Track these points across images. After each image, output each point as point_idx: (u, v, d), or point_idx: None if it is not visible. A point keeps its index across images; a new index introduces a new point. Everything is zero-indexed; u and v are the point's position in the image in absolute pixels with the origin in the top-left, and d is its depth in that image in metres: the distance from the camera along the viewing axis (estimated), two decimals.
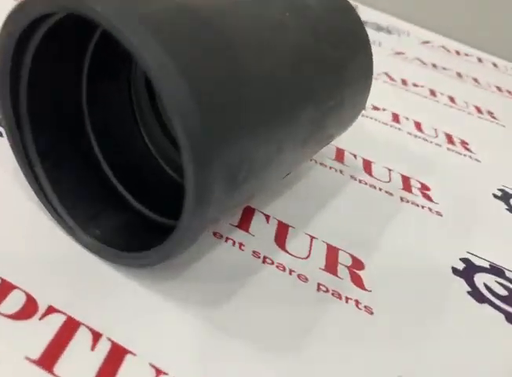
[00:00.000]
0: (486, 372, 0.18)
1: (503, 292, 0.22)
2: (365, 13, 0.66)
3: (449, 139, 0.36)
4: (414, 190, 0.28)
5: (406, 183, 0.29)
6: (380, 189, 0.27)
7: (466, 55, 0.60)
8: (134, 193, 0.19)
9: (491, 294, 0.22)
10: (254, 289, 0.18)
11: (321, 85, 0.19)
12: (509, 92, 0.51)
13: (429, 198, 0.28)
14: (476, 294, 0.22)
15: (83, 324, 0.15)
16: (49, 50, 0.17)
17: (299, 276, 0.20)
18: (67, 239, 0.18)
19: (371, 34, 0.58)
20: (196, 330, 0.16)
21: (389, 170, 0.29)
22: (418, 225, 0.25)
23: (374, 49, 0.57)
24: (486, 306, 0.21)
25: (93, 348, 0.15)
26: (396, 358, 0.17)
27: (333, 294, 0.19)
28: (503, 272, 0.23)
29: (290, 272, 0.20)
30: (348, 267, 0.21)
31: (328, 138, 0.23)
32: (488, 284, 0.22)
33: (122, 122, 0.21)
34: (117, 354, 0.15)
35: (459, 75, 0.52)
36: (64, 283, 0.17)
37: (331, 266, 0.21)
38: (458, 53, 0.61)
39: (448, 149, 0.34)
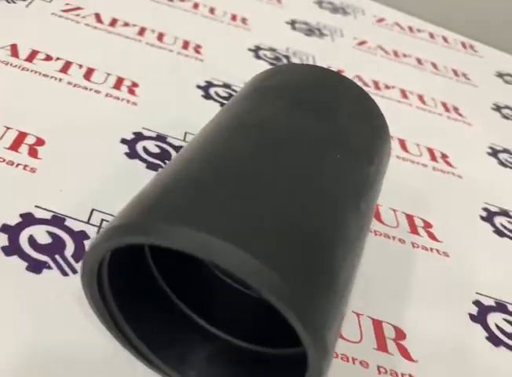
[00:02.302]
0: None
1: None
2: None
3: (432, 155, 0.38)
4: (420, 231, 0.31)
5: (412, 224, 0.31)
6: (394, 238, 0.30)
7: (419, 31, 0.61)
8: (217, 324, 0.20)
9: (504, 336, 0.26)
10: None
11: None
12: (464, 75, 0.53)
13: (433, 237, 0.30)
14: (493, 339, 0.25)
15: None
16: None
17: None
18: None
19: (329, 18, 0.58)
20: None
21: (394, 210, 0.32)
22: (431, 272, 0.28)
23: (339, 41, 0.57)
24: (502, 349, 0.25)
25: None
26: None
27: None
28: (506, 307, 0.27)
29: None
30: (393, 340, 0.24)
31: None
32: (499, 325, 0.26)
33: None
34: None
35: (419, 61, 0.53)
36: None
37: None
38: (411, 29, 0.61)
39: (434, 169, 0.37)
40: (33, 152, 0.28)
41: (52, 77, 0.34)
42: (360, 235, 0.18)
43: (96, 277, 0.17)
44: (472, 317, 0.26)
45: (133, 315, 0.19)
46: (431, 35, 0.61)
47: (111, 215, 0.25)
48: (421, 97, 0.46)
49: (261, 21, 0.52)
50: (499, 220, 0.34)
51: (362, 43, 0.54)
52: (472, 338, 0.25)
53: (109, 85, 0.35)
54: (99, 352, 0.20)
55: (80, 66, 0.36)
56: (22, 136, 0.28)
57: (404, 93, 0.46)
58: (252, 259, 0.13)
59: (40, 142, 0.29)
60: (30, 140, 0.28)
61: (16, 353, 0.19)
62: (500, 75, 0.56)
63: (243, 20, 0.50)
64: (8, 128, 0.28)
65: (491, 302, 0.27)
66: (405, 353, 0.23)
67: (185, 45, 0.42)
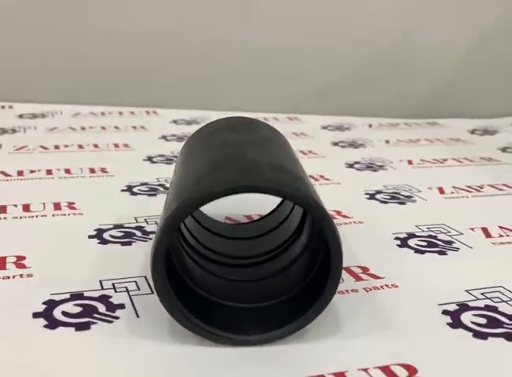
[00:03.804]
0: None
1: None
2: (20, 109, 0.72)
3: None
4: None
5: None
6: None
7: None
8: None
9: (426, 247, 0.35)
10: None
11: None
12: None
13: (345, 216, 0.40)
14: (419, 251, 0.35)
15: None
16: None
17: None
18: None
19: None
20: None
21: None
22: (360, 234, 0.37)
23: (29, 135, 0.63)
24: (427, 254, 0.34)
25: None
26: None
27: None
28: None
29: None
30: None
31: None
32: (418, 244, 0.36)
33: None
34: None
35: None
36: None
37: None
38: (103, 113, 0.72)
39: (320, 184, 0.48)
40: (20, 265, 0.31)
41: None
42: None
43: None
44: (399, 245, 0.36)
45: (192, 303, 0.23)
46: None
47: (120, 278, 0.29)
48: None
49: (142, 141, 0.60)
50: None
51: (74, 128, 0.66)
52: (404, 256, 0.34)
53: None
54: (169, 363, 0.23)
55: None
56: (2, 260, 0.31)
57: None
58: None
59: (21, 258, 0.31)
60: (11, 259, 0.31)
61: None
62: None
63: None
64: None
65: (405, 235, 0.37)
66: (375, 277, 0.31)
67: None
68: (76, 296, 0.28)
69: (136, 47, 0.79)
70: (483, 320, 0.27)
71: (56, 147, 0.58)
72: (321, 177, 0.51)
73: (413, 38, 0.82)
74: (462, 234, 0.38)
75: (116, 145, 0.59)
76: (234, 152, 0.25)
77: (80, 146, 0.58)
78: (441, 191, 0.48)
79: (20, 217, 0.38)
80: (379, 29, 0.81)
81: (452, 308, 0.28)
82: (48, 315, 0.26)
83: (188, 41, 0.79)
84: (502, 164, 0.59)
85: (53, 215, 0.39)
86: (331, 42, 0.81)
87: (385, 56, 0.82)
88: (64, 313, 0.26)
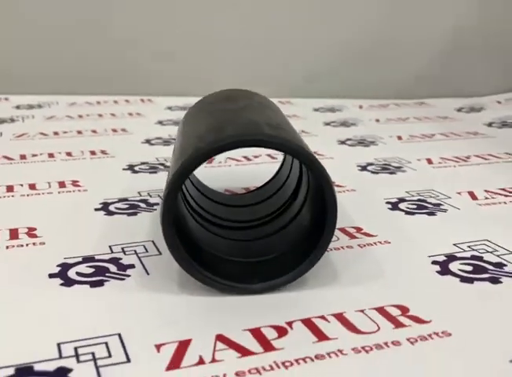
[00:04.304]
0: None
1: None
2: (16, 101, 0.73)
3: None
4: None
5: None
6: None
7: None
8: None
9: (414, 209, 0.37)
10: None
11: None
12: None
13: (338, 185, 0.42)
14: (408, 212, 0.37)
15: None
16: None
17: None
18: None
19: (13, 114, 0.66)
20: None
21: None
22: (350, 199, 0.39)
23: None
24: (416, 216, 0.36)
25: None
26: None
27: None
28: None
29: None
30: None
31: None
32: (408, 207, 0.38)
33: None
34: None
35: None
36: None
37: None
38: (98, 102, 0.75)
39: None
40: (32, 235, 0.32)
41: None
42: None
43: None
44: (390, 209, 0.37)
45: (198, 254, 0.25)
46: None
47: (128, 243, 0.31)
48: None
49: (139, 126, 0.62)
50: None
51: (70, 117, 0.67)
52: (396, 218, 0.36)
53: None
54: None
55: None
56: (14, 231, 0.32)
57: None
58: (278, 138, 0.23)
59: (32, 229, 0.33)
60: (23, 230, 0.33)
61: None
62: None
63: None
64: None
65: (396, 200, 0.39)
66: (368, 235, 0.33)
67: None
68: (88, 259, 0.29)
69: (128, 42, 0.80)
70: (469, 268, 0.29)
71: (56, 133, 0.59)
72: (314, 153, 0.52)
73: (401, 22, 0.84)
74: (450, 198, 0.40)
75: (114, 130, 0.61)
76: (233, 115, 0.26)
77: (79, 132, 0.60)
78: (430, 161, 0.50)
79: (27, 195, 0.39)
80: (368, 14, 0.83)
81: (441, 259, 0.30)
82: (63, 275, 0.28)
83: (180, 33, 0.81)
84: (488, 137, 0.62)
85: (59, 192, 0.40)
86: (321, 27, 0.82)
87: (373, 40, 0.83)
88: (78, 274, 0.28)
